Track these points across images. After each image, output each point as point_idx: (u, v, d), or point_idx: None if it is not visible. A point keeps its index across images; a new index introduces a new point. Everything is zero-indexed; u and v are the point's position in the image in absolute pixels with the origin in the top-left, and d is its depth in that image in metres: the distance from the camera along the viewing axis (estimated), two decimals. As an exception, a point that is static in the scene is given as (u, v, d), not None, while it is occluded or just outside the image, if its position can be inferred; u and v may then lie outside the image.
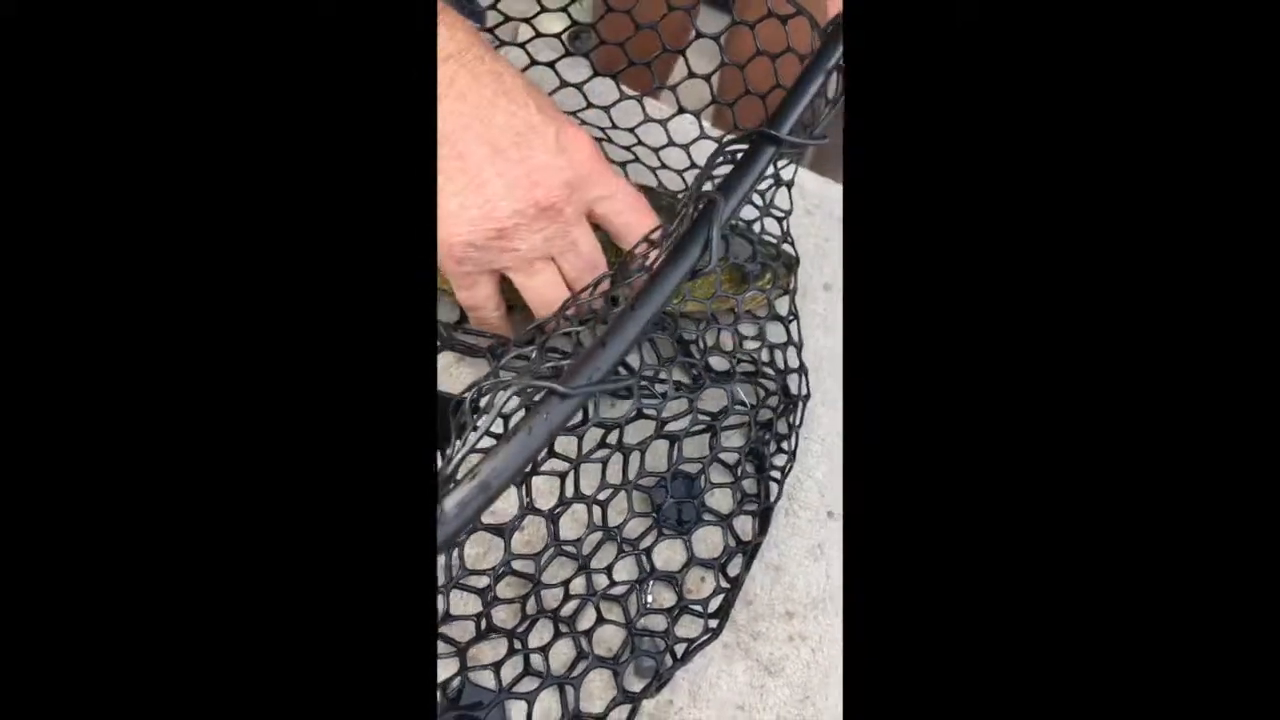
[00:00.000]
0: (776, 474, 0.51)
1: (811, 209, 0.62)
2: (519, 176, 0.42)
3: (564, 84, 0.58)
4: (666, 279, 0.31)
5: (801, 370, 0.53)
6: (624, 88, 0.59)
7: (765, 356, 0.51)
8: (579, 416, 0.33)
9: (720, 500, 0.50)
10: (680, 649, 0.45)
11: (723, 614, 0.46)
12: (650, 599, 0.47)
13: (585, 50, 0.59)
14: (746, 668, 0.47)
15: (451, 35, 0.42)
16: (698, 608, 0.46)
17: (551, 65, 0.58)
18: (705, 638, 0.45)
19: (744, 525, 0.50)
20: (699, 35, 0.58)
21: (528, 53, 0.57)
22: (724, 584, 0.47)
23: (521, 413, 0.31)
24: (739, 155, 0.35)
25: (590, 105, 0.58)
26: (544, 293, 0.46)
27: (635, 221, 0.46)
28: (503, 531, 0.42)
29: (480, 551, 0.46)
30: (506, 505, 0.42)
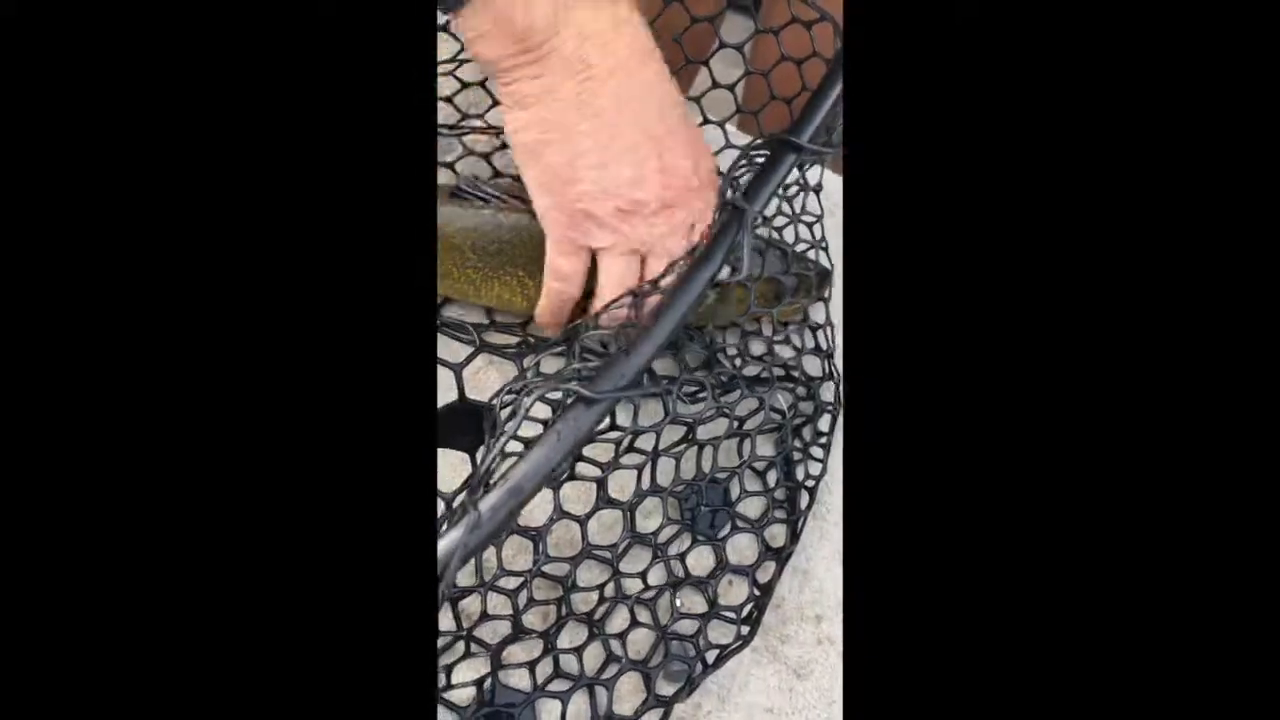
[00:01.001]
0: (810, 482, 0.51)
1: (832, 208, 0.62)
2: (655, 169, 0.43)
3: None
4: (693, 283, 0.32)
5: (835, 377, 0.53)
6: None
7: (798, 363, 0.51)
8: (608, 422, 0.33)
9: (752, 508, 0.50)
10: (711, 655, 0.45)
11: (754, 621, 0.47)
12: (680, 603, 0.47)
13: None
14: (775, 671, 0.47)
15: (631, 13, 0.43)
16: (730, 614, 0.47)
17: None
18: (736, 645, 0.46)
19: (774, 532, 0.50)
20: (722, 45, 0.58)
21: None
22: (755, 591, 0.48)
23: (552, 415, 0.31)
24: (760, 161, 0.36)
25: None
26: (614, 283, 0.46)
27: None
28: (535, 535, 0.43)
29: (510, 554, 0.47)
30: (540, 510, 0.43)
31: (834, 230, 0.60)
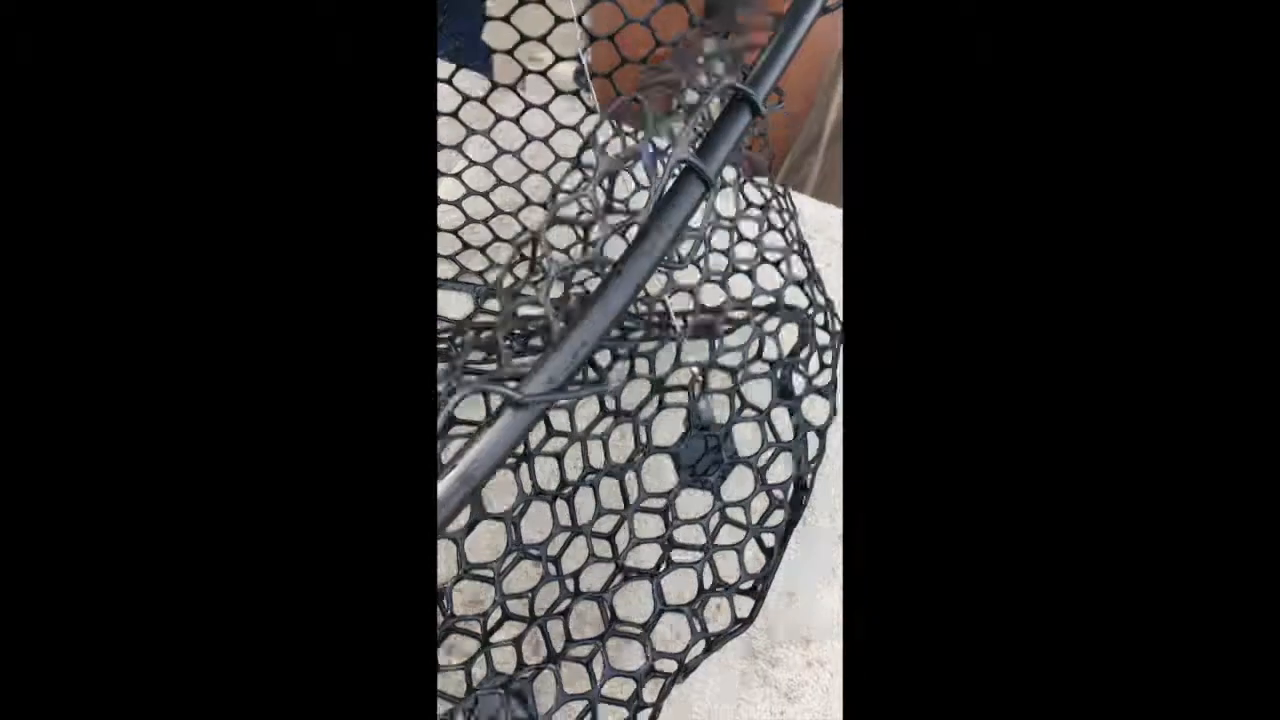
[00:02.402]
0: (814, 425, 0.44)
1: (812, 234, 0.62)
2: None
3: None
4: (638, 259, 0.29)
5: (827, 307, 0.46)
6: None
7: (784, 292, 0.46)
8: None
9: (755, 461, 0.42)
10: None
11: (759, 595, 0.40)
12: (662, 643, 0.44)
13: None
14: (765, 695, 0.45)
15: None
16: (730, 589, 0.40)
17: (575, 128, 0.57)
18: (736, 628, 0.39)
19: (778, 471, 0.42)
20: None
21: (547, 111, 0.57)
22: (762, 562, 0.41)
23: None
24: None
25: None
26: None
27: None
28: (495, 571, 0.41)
29: (474, 594, 0.45)
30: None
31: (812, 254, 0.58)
